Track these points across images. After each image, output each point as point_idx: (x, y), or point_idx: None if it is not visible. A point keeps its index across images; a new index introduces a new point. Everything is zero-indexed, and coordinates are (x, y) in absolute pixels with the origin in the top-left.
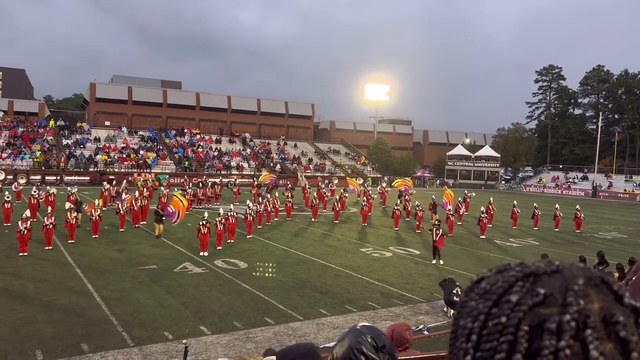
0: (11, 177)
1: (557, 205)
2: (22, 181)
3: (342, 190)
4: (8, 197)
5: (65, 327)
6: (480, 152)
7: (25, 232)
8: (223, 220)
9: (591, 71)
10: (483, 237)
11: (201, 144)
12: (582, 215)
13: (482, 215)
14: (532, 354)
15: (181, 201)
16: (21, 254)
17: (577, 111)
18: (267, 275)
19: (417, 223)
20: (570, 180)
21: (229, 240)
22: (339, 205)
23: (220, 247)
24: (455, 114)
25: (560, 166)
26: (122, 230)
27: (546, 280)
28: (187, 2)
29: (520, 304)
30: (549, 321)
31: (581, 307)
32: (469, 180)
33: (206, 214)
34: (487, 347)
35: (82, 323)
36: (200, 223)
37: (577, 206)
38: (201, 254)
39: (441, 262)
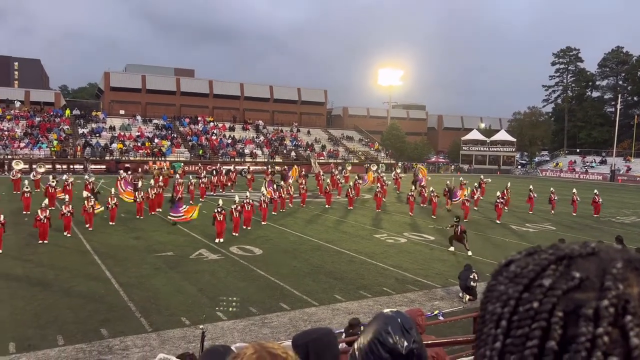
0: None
1: (574, 190)
2: (41, 170)
3: (356, 177)
4: (27, 188)
5: (85, 313)
6: (496, 137)
7: (45, 221)
8: (239, 207)
9: (610, 53)
10: (499, 222)
11: (215, 131)
12: (600, 200)
13: (498, 200)
14: (567, 341)
15: (192, 213)
16: (40, 241)
17: (595, 94)
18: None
19: (433, 208)
20: (588, 164)
21: (245, 227)
22: (353, 192)
23: (236, 234)
24: (470, 99)
25: (578, 150)
26: (138, 217)
27: (581, 263)
28: None
29: (554, 289)
30: (586, 307)
31: (620, 292)
32: (484, 165)
33: (221, 202)
34: (519, 333)
35: (101, 309)
36: (216, 210)
37: (595, 190)
38: (217, 240)
39: (469, 252)
